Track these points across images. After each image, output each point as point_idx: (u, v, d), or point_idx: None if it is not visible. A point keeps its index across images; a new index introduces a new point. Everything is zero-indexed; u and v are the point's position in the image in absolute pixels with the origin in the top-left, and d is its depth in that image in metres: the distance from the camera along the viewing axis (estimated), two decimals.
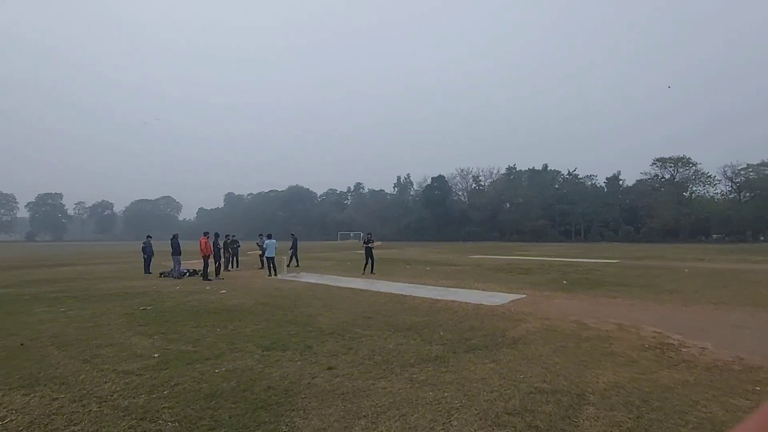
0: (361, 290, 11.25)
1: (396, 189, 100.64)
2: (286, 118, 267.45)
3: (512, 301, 9.34)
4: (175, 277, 14.69)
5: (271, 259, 15.41)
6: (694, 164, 63.75)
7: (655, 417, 3.50)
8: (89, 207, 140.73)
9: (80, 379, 4.59)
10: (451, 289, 11.42)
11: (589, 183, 76.51)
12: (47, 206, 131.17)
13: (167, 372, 4.73)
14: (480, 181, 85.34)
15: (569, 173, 78.43)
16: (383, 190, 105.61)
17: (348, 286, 12.18)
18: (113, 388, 4.30)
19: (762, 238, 56.81)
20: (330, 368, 4.78)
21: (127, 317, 7.84)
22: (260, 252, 18.68)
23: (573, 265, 18.70)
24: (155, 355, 5.37)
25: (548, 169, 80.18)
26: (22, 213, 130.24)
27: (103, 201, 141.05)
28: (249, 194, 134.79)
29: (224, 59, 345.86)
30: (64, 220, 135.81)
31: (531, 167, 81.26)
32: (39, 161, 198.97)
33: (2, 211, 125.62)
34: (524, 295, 10.09)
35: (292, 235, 18.24)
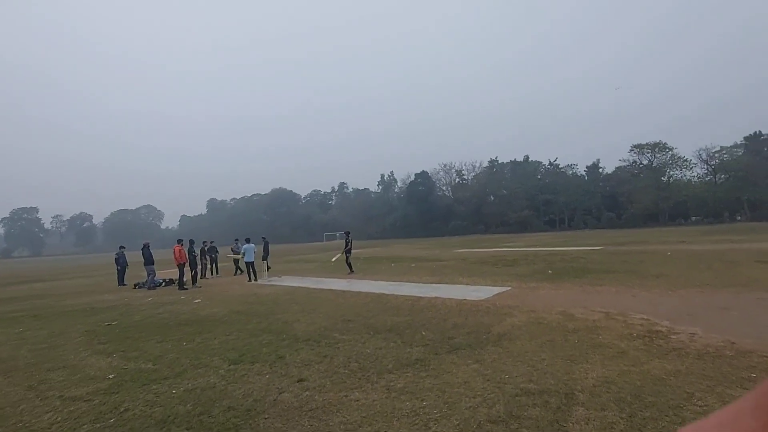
0: (343, 291, 10.85)
1: (380, 187, 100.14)
2: (266, 127, 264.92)
3: (497, 294, 9.08)
4: (149, 288, 14.05)
5: (250, 264, 14.88)
6: (671, 149, 65.00)
7: (649, 414, 3.22)
8: (67, 220, 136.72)
9: (19, 409, 4.10)
10: (435, 285, 11.12)
11: (570, 172, 77.34)
12: (23, 221, 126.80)
13: (118, 396, 4.27)
14: (463, 175, 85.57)
15: (550, 163, 79.20)
16: (367, 189, 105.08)
17: (329, 288, 11.77)
18: (54, 418, 3.83)
19: (739, 218, 58.27)
20: (300, 380, 4.39)
21: (88, 335, 7.28)
22: (234, 258, 18.16)
23: (558, 254, 18.64)
24: (110, 377, 4.89)
25: (530, 160, 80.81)
26: None
27: (81, 213, 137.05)
28: (232, 199, 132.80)
29: (203, 72, 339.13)
30: (41, 235, 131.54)
31: (513, 159, 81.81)
32: (10, 178, 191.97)
33: None
34: (509, 288, 9.85)
35: (264, 238, 17.58)
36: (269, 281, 14.38)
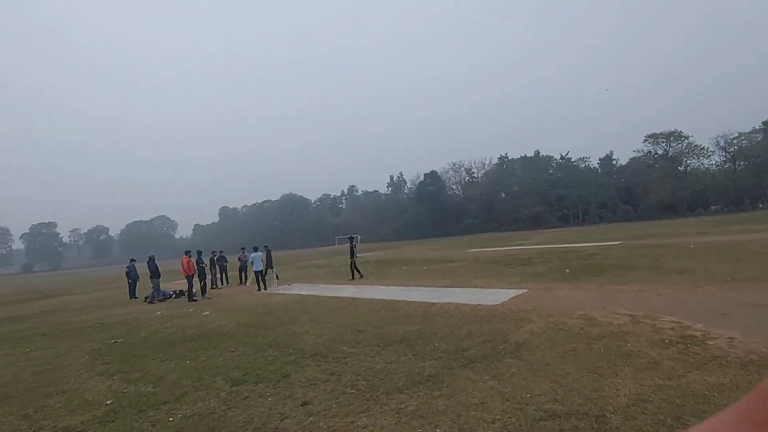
0: (353, 299, 10.56)
1: (390, 189, 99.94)
2: (270, 132, 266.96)
3: (513, 297, 8.67)
4: (158, 301, 13.97)
5: (258, 273, 14.70)
6: (686, 137, 63.32)
7: None
8: (84, 233, 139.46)
9: None
10: (447, 289, 10.75)
11: (583, 165, 76.03)
12: (42, 236, 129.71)
13: (113, 425, 4.03)
14: (473, 173, 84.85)
15: (562, 157, 77.92)
16: (377, 191, 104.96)
17: (340, 295, 11.49)
18: None
19: (761, 205, 56.43)
20: (305, 404, 4.09)
21: (93, 354, 7.12)
22: (240, 267, 18.01)
23: (574, 251, 18.07)
24: (107, 402, 4.67)
25: (540, 155, 79.60)
26: (18, 245, 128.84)
27: (98, 226, 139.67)
28: (243, 206, 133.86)
29: (207, 73, 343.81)
30: (60, 249, 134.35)
31: (523, 155, 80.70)
32: (29, 195, 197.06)
33: None
34: (525, 290, 9.43)
35: (266, 247, 17.29)
36: (279, 290, 14.18)
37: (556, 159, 78.91)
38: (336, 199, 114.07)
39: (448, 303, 8.65)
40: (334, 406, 3.99)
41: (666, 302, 7.08)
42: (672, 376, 3.90)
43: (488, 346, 5.42)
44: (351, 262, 15.41)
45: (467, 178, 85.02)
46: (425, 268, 17.16)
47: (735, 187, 57.51)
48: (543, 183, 72.50)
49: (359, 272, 15.34)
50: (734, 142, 60.81)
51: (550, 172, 76.93)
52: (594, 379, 4.01)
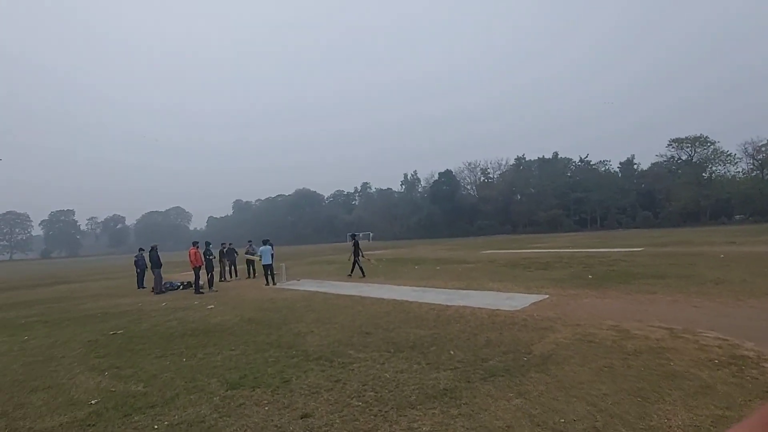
0: (362, 298, 10.10)
1: (403, 186, 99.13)
2: (285, 124, 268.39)
3: (534, 303, 8.09)
4: (166, 290, 13.76)
5: (267, 267, 14.37)
6: (713, 143, 61.10)
7: None
8: (101, 222, 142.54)
9: None
10: (462, 291, 10.21)
11: (603, 169, 74.03)
12: (60, 223, 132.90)
13: (93, 430, 3.64)
14: (488, 173, 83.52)
15: (581, 160, 76.09)
16: (390, 189, 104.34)
17: (348, 293, 11.05)
18: None
19: None
20: (305, 416, 3.64)
21: (89, 346, 6.81)
22: (248, 260, 17.66)
23: (595, 256, 17.28)
24: (92, 402, 4.30)
25: (559, 157, 77.89)
26: (37, 231, 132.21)
27: (114, 215, 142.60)
28: (257, 200, 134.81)
29: (228, 68, 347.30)
30: (77, 236, 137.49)
31: (541, 156, 79.09)
32: (49, 181, 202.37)
33: (18, 230, 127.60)
34: (546, 296, 8.83)
35: (267, 241, 16.94)
36: (287, 285, 13.82)
37: (574, 161, 77.15)
38: (349, 196, 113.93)
39: (464, 306, 8.12)
40: (337, 420, 3.52)
41: (705, 315, 6.43)
42: (730, 405, 3.32)
43: (510, 357, 4.89)
44: (354, 259, 14.97)
45: (482, 178, 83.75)
46: (438, 268, 16.62)
47: (762, 196, 55.14)
48: (561, 185, 70.85)
49: (362, 271, 14.92)
50: (763, 149, 58.36)
51: (569, 174, 75.17)
52: (638, 404, 3.45)
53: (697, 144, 62.08)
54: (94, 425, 3.75)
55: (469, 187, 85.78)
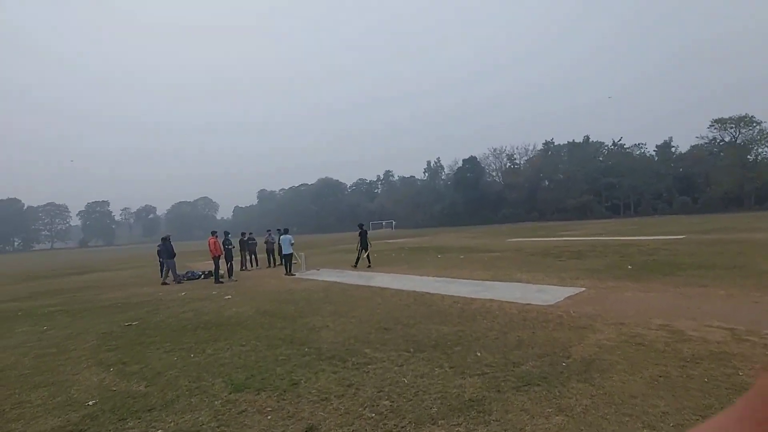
0: (382, 289, 9.65)
1: (426, 174, 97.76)
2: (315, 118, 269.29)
3: (569, 297, 7.40)
4: (186, 280, 13.77)
5: (287, 257, 14.13)
6: (758, 123, 56.85)
7: None
8: (134, 212, 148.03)
9: None
10: (488, 282, 9.59)
11: (638, 152, 70.37)
12: (96, 213, 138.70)
13: None
14: (515, 159, 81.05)
15: (614, 143, 72.58)
16: (413, 177, 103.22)
17: (368, 284, 10.62)
18: None
19: None
20: (309, 429, 3.21)
21: (102, 339, 6.65)
22: (267, 249, 17.52)
23: (632, 244, 16.18)
24: (89, 403, 4.02)
25: (590, 141, 74.55)
26: (75, 221, 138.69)
27: (146, 205, 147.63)
28: (281, 190, 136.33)
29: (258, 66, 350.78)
30: (113, 226, 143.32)
31: (571, 140, 75.92)
32: (85, 171, 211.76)
33: (57, 220, 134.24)
34: (583, 288, 8.09)
35: (278, 230, 16.54)
36: (307, 274, 13.56)
37: (607, 145, 73.69)
38: (372, 184, 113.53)
39: (491, 300, 7.52)
40: None
41: None
42: None
43: (546, 361, 4.31)
44: (361, 251, 14.56)
45: (509, 164, 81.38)
46: (462, 257, 15.97)
47: None
48: (592, 171, 67.93)
49: (368, 261, 14.56)
50: None
51: (600, 159, 71.95)
52: None
53: (741, 124, 58.00)
54: (86, 430, 3.45)
55: (494, 174, 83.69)
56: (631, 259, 11.80)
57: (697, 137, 63.73)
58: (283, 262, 14.15)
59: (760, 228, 21.03)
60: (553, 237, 24.34)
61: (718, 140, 61.39)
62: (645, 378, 3.74)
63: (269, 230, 18.42)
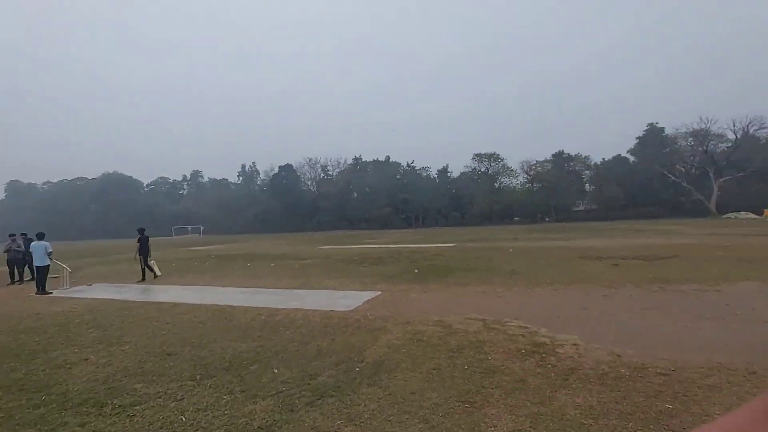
0: (175, 305, 8.30)
1: (241, 178, 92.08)
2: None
3: (367, 301, 7.94)
4: None
5: (42, 269, 10.74)
6: (502, 160, 76.98)
7: None
8: None
9: None
10: (296, 291, 9.46)
11: (425, 174, 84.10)
12: None
13: None
14: (328, 170, 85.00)
15: (408, 165, 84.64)
16: (226, 179, 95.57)
17: (156, 300, 8.99)
18: None
19: (547, 219, 71.75)
20: None
21: None
22: (9, 260, 13.23)
23: (419, 251, 18.92)
24: None
25: (391, 160, 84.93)
26: None
27: None
28: (45, 183, 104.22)
29: None
30: None
31: (376, 158, 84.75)
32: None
33: None
34: (379, 292, 8.85)
35: (24, 234, 13.61)
36: (70, 292, 10.55)
37: (403, 166, 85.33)
38: (176, 185, 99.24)
39: (296, 309, 7.39)
40: None
41: (507, 304, 7.28)
42: (543, 400, 3.50)
43: (342, 369, 4.39)
44: (141, 260, 12.71)
45: (322, 174, 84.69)
46: (273, 265, 15.44)
47: (532, 204, 71.80)
48: (391, 187, 77.28)
49: (153, 272, 12.94)
50: (533, 167, 76.14)
51: (398, 177, 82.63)
52: (467, 411, 3.34)
53: (492, 159, 76.97)
54: None
55: (309, 182, 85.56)
56: (418, 264, 13.73)
57: (464, 166, 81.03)
58: (35, 278, 10.64)
59: (503, 238, 27.82)
60: (360, 244, 26.30)
61: (477, 170, 79.34)
62: (423, 373, 4.22)
63: (13, 234, 13.63)
